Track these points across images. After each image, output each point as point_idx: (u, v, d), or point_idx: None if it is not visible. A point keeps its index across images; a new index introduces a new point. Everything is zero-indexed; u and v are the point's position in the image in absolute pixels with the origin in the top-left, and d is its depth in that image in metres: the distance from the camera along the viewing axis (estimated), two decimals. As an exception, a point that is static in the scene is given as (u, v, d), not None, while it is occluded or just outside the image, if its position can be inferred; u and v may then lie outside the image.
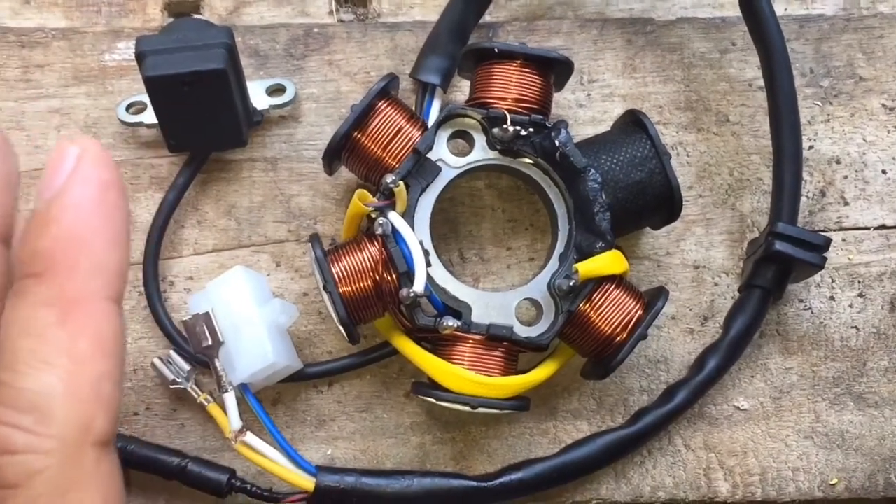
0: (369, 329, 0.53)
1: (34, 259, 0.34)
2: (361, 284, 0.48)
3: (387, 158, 0.50)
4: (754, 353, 0.55)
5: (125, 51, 0.56)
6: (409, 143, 0.50)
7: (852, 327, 0.56)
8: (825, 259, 0.51)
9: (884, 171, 0.57)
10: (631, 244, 0.56)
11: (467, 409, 0.49)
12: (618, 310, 0.49)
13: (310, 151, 0.56)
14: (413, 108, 0.52)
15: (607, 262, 0.49)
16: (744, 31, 0.56)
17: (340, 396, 0.54)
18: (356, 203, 0.49)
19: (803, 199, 0.55)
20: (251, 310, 0.49)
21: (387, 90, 0.50)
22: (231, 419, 0.49)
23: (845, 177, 0.57)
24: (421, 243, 0.48)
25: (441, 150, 0.51)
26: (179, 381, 0.51)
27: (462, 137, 0.52)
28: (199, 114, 0.51)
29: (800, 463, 0.54)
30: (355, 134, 0.50)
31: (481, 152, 0.51)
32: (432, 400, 0.49)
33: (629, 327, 0.49)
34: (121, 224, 0.36)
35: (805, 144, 0.56)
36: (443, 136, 0.51)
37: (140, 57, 0.49)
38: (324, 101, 0.57)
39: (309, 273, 0.55)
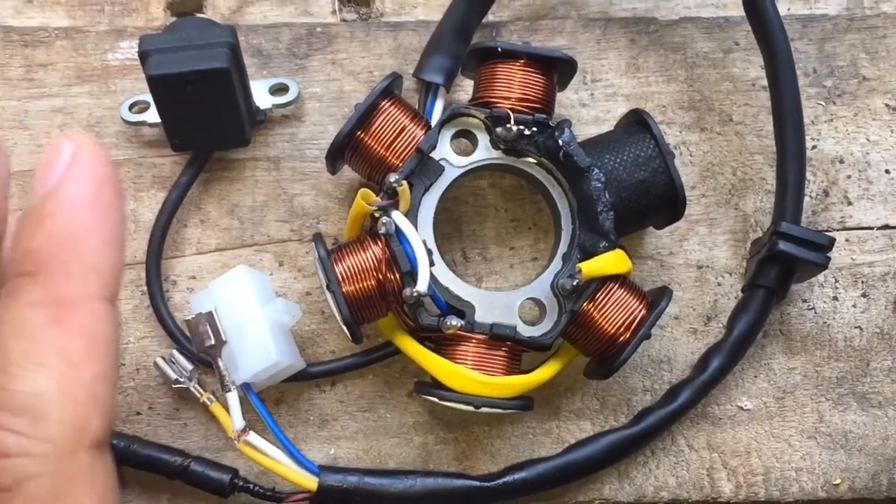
0: (372, 328, 0.53)
1: (27, 258, 0.34)
2: (365, 284, 0.48)
3: (390, 158, 0.50)
4: (758, 353, 0.55)
5: (128, 50, 0.56)
6: (413, 143, 0.50)
7: (856, 327, 0.56)
8: (829, 259, 0.51)
9: (887, 171, 0.57)
10: (634, 244, 0.55)
11: (470, 408, 0.49)
12: (621, 309, 0.49)
13: (313, 151, 0.56)
14: (416, 108, 0.52)
15: (611, 261, 0.49)
16: (747, 30, 0.56)
17: (343, 396, 0.54)
18: (359, 202, 0.49)
19: (807, 198, 0.55)
20: (254, 309, 0.49)
21: (390, 89, 0.50)
22: (234, 419, 0.49)
23: (849, 177, 0.57)
24: (424, 243, 0.48)
25: (444, 150, 0.51)
26: (182, 380, 0.51)
27: (465, 137, 0.52)
28: (202, 113, 0.51)
29: (803, 463, 0.54)
30: (358, 133, 0.50)
31: (485, 152, 0.51)
32: (435, 399, 0.49)
33: (632, 327, 0.49)
34: (116, 223, 0.35)
35: (808, 144, 0.56)
36: (446, 136, 0.51)
37: (143, 56, 0.49)
38: (327, 100, 0.56)
39: (312, 272, 0.55)
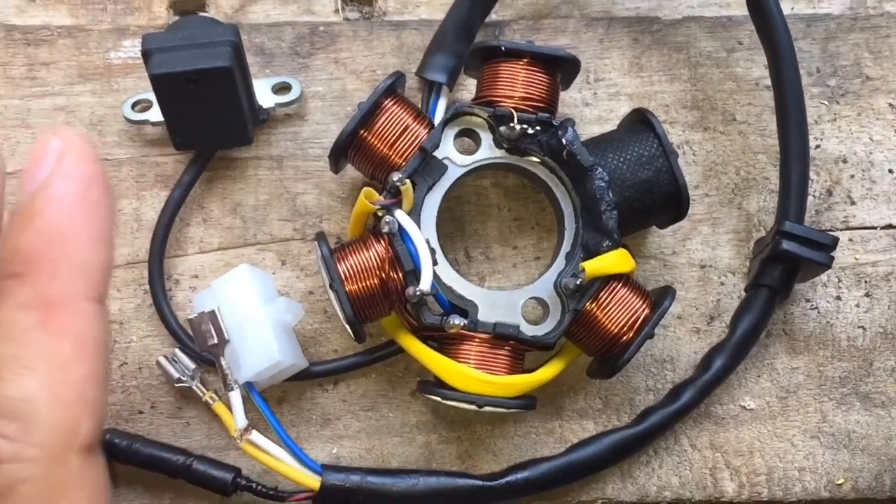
0: (375, 327, 0.53)
1: (15, 258, 0.34)
2: (368, 283, 0.48)
3: (393, 157, 0.50)
4: (761, 353, 0.55)
5: (131, 49, 0.56)
6: (416, 142, 0.50)
7: (859, 327, 0.56)
8: (832, 258, 0.51)
9: (890, 171, 0.57)
10: (637, 243, 0.55)
11: (473, 407, 0.49)
12: (624, 309, 0.49)
13: (315, 150, 0.56)
14: (419, 107, 0.52)
15: (614, 260, 0.49)
16: (750, 30, 0.56)
17: (346, 395, 0.54)
18: (362, 201, 0.49)
19: (810, 198, 0.55)
20: (257, 308, 0.49)
21: (393, 88, 0.50)
22: (236, 417, 0.49)
23: (852, 176, 0.57)
24: (427, 242, 0.48)
25: (447, 149, 0.51)
26: (185, 379, 0.51)
27: (468, 136, 0.52)
28: (205, 112, 0.51)
29: (806, 463, 0.54)
30: (362, 132, 0.50)
31: (488, 151, 0.51)
32: (438, 398, 0.49)
33: (636, 326, 0.49)
34: (104, 221, 0.35)
35: (812, 144, 0.56)
36: (449, 135, 0.51)
37: (146, 55, 0.49)
38: (329, 99, 0.56)
39: (314, 271, 0.55)
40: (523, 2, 0.59)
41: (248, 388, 0.50)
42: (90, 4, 0.58)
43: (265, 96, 0.55)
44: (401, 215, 0.48)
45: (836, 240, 0.51)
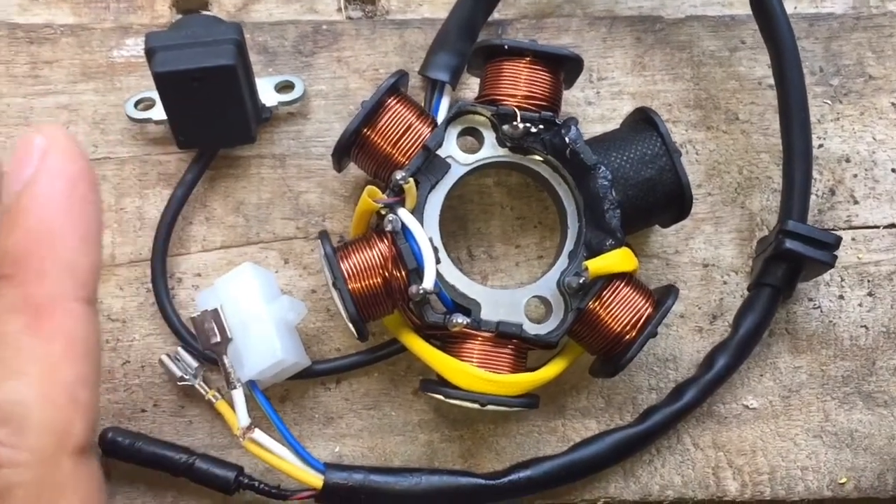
0: (377, 326, 0.53)
1: (2, 259, 0.33)
2: (371, 281, 0.48)
3: (396, 155, 0.50)
4: (763, 352, 0.55)
5: (133, 47, 0.56)
6: (419, 140, 0.50)
7: (861, 326, 0.55)
8: (835, 257, 0.51)
9: (893, 170, 0.57)
10: (640, 242, 0.55)
11: (476, 406, 0.49)
12: (627, 308, 0.49)
13: (318, 148, 0.56)
14: (422, 106, 0.52)
15: (617, 259, 0.49)
16: (753, 29, 0.56)
17: (348, 394, 0.54)
18: (366, 200, 0.49)
19: (813, 197, 0.55)
20: (259, 307, 0.49)
21: (396, 87, 0.50)
22: (239, 416, 0.49)
23: (855, 175, 0.57)
24: (430, 240, 0.48)
25: (450, 147, 0.51)
26: (187, 377, 0.51)
27: (471, 134, 0.52)
28: (208, 110, 0.51)
29: (809, 462, 0.54)
30: (365, 130, 0.50)
31: (491, 149, 0.51)
32: (441, 397, 0.49)
33: (638, 325, 0.49)
34: (92, 219, 0.34)
35: (814, 143, 0.56)
36: (452, 133, 0.51)
37: (149, 53, 0.49)
38: (332, 97, 0.56)
39: (317, 270, 0.55)
40: (526, 0, 0.59)
41: (250, 386, 0.50)
42: (93, 3, 0.58)
43: (268, 95, 0.55)
44: (404, 214, 0.48)
45: (840, 239, 0.51)
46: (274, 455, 0.49)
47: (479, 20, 0.55)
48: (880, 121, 0.58)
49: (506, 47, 0.50)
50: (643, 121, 0.52)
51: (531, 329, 0.49)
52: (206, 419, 0.53)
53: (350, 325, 0.49)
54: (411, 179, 0.48)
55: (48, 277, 0.33)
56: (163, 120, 0.53)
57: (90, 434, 0.35)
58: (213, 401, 0.51)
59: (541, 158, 0.51)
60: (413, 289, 0.47)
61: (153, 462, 0.50)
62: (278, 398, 0.53)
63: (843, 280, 0.56)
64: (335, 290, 0.48)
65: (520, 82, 0.50)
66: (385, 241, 0.49)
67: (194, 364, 0.52)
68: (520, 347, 0.50)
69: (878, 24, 0.59)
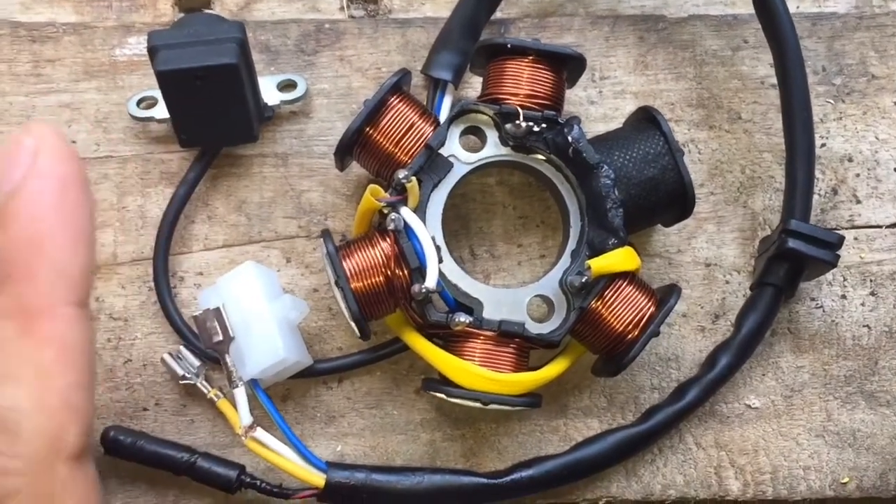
0: (379, 325, 0.53)
1: None
2: (373, 280, 0.48)
3: (399, 154, 0.50)
4: (766, 352, 0.55)
5: (136, 46, 0.56)
6: (421, 139, 0.50)
7: (864, 326, 0.55)
8: (838, 257, 0.51)
9: (896, 170, 0.57)
10: (642, 241, 0.55)
11: (478, 405, 0.49)
12: (630, 307, 0.49)
13: (320, 147, 0.56)
14: (425, 104, 0.52)
15: (620, 258, 0.49)
16: (756, 28, 0.55)
17: (350, 393, 0.54)
18: (368, 198, 0.49)
19: (815, 197, 0.55)
20: (262, 305, 0.49)
21: (399, 86, 0.50)
22: (241, 415, 0.49)
23: (857, 175, 0.57)
24: (433, 239, 0.48)
25: (453, 146, 0.51)
26: (189, 376, 0.51)
27: (474, 133, 0.52)
28: (211, 109, 0.51)
29: (811, 462, 0.54)
30: (367, 129, 0.50)
31: (493, 148, 0.51)
32: (443, 396, 0.49)
33: (641, 325, 0.49)
34: (83, 221, 0.34)
35: (817, 142, 0.56)
36: (455, 132, 0.51)
37: (152, 51, 0.49)
38: (335, 96, 0.56)
39: (319, 269, 0.54)
40: (528, 0, 0.59)
41: (252, 385, 0.50)
42: (95, 1, 0.58)
43: (270, 94, 0.55)
44: (406, 213, 0.48)
45: (842, 238, 0.51)
46: (276, 454, 0.49)
47: (481, 19, 0.55)
48: (883, 120, 0.58)
49: (508, 46, 0.50)
50: (646, 120, 0.52)
51: (533, 328, 0.49)
52: (207, 418, 0.53)
53: (352, 324, 0.49)
54: (414, 178, 0.48)
55: (39, 282, 0.33)
56: (165, 118, 0.53)
57: (85, 439, 0.34)
58: (215, 399, 0.51)
59: (543, 157, 0.51)
60: (415, 288, 0.47)
61: (155, 461, 0.50)
62: (280, 397, 0.53)
63: (845, 279, 0.56)
64: (337, 289, 0.48)
65: (522, 81, 0.50)
66: (387, 239, 0.49)
67: (196, 363, 0.52)
68: (522, 346, 0.50)
69: (880, 23, 0.59)
